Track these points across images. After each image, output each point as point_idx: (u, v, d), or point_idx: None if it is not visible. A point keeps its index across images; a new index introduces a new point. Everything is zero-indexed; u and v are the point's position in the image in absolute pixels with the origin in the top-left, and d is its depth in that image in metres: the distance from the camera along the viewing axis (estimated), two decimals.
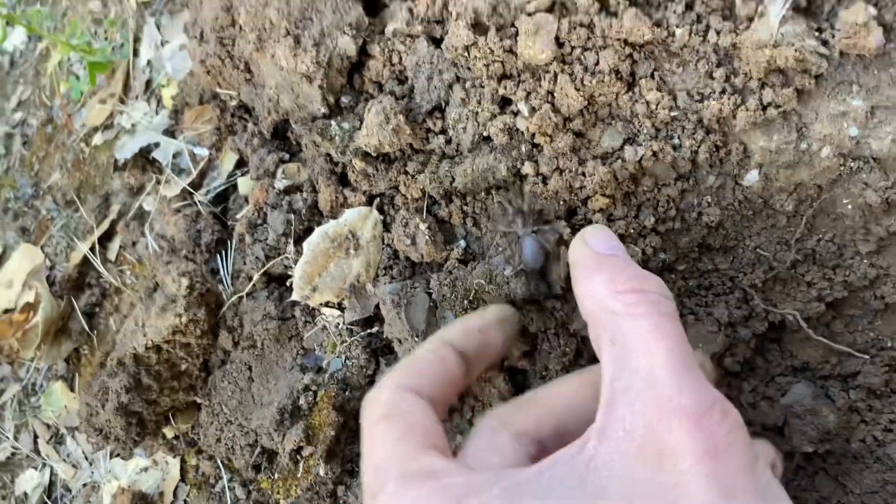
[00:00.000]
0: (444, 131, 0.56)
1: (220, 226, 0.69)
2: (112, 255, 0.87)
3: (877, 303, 0.53)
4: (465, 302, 0.55)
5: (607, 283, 0.38)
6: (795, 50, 0.45)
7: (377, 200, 0.62)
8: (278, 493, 0.58)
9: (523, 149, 0.54)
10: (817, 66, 0.46)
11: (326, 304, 0.62)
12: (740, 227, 0.54)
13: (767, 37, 0.46)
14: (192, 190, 0.73)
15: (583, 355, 0.55)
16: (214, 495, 0.67)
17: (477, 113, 0.54)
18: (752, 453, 0.33)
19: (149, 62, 0.95)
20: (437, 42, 0.55)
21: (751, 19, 0.47)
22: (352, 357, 0.62)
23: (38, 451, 0.86)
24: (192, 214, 0.69)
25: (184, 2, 0.93)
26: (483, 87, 0.53)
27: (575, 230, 0.48)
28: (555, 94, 0.51)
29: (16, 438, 0.88)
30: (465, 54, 0.52)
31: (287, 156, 0.65)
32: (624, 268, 0.40)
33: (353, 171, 0.60)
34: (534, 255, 0.52)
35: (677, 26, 0.48)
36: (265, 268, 0.61)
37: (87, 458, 0.78)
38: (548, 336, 0.55)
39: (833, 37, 0.46)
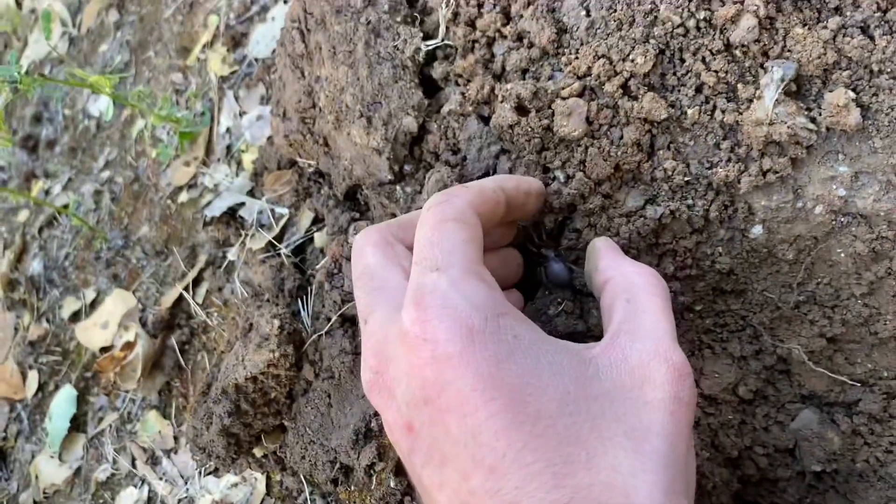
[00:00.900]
0: None
1: (300, 273, 0.80)
2: (199, 299, 0.98)
3: (872, 338, 0.58)
4: None
5: (630, 263, 0.48)
6: (788, 127, 0.51)
7: None
8: (354, 502, 0.67)
9: (559, 205, 0.62)
10: (808, 139, 0.52)
11: None
12: (749, 273, 0.59)
13: (764, 116, 0.52)
14: (276, 243, 0.84)
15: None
16: None
17: None
18: (692, 425, 0.41)
19: (228, 129, 1.07)
20: (485, 119, 0.63)
21: (750, 101, 0.53)
22: None
23: (135, 473, 0.97)
24: (276, 265, 0.80)
25: (259, 77, 1.05)
26: (525, 157, 0.59)
27: None
28: (586, 163, 0.57)
29: (114, 461, 0.99)
30: (510, 131, 0.58)
31: (357, 215, 0.75)
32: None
33: None
34: (560, 271, 0.58)
35: (689, 107, 0.54)
36: (342, 310, 0.71)
37: (182, 477, 0.88)
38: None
39: (820, 115, 0.51)
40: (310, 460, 0.70)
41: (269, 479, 0.80)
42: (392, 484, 0.63)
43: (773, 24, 0.53)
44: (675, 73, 0.55)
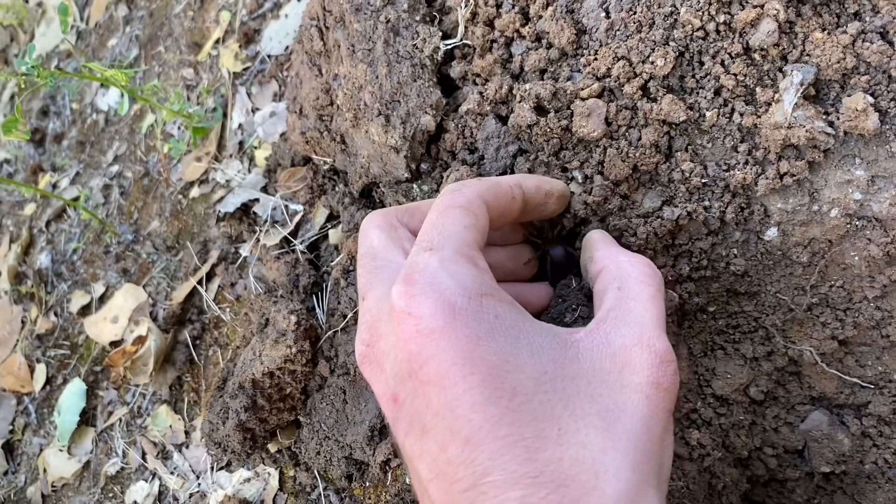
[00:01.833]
0: None
1: (315, 270, 0.80)
2: (211, 295, 0.99)
3: (883, 341, 0.59)
4: None
5: (625, 253, 0.49)
6: (806, 130, 0.52)
7: None
8: (370, 499, 0.67)
9: (579, 209, 0.62)
10: (825, 143, 0.53)
11: None
12: (762, 275, 0.60)
13: (783, 119, 0.52)
14: (291, 239, 0.84)
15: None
16: (311, 502, 0.76)
17: None
18: (671, 410, 0.41)
19: (240, 125, 1.08)
20: (503, 119, 0.63)
21: (769, 104, 0.54)
22: None
23: (145, 467, 0.97)
24: (291, 261, 0.80)
25: (272, 74, 1.06)
26: (543, 157, 0.59)
27: None
28: (604, 164, 0.57)
29: (124, 455, 1.00)
30: (529, 131, 0.58)
31: None
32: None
33: None
34: (559, 254, 0.59)
35: (707, 109, 0.55)
36: (357, 307, 0.71)
37: (193, 471, 0.88)
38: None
39: (838, 119, 0.52)
40: (325, 456, 0.70)
41: (282, 474, 0.80)
42: (407, 480, 0.64)
43: (793, 29, 0.53)
44: (694, 76, 0.56)
